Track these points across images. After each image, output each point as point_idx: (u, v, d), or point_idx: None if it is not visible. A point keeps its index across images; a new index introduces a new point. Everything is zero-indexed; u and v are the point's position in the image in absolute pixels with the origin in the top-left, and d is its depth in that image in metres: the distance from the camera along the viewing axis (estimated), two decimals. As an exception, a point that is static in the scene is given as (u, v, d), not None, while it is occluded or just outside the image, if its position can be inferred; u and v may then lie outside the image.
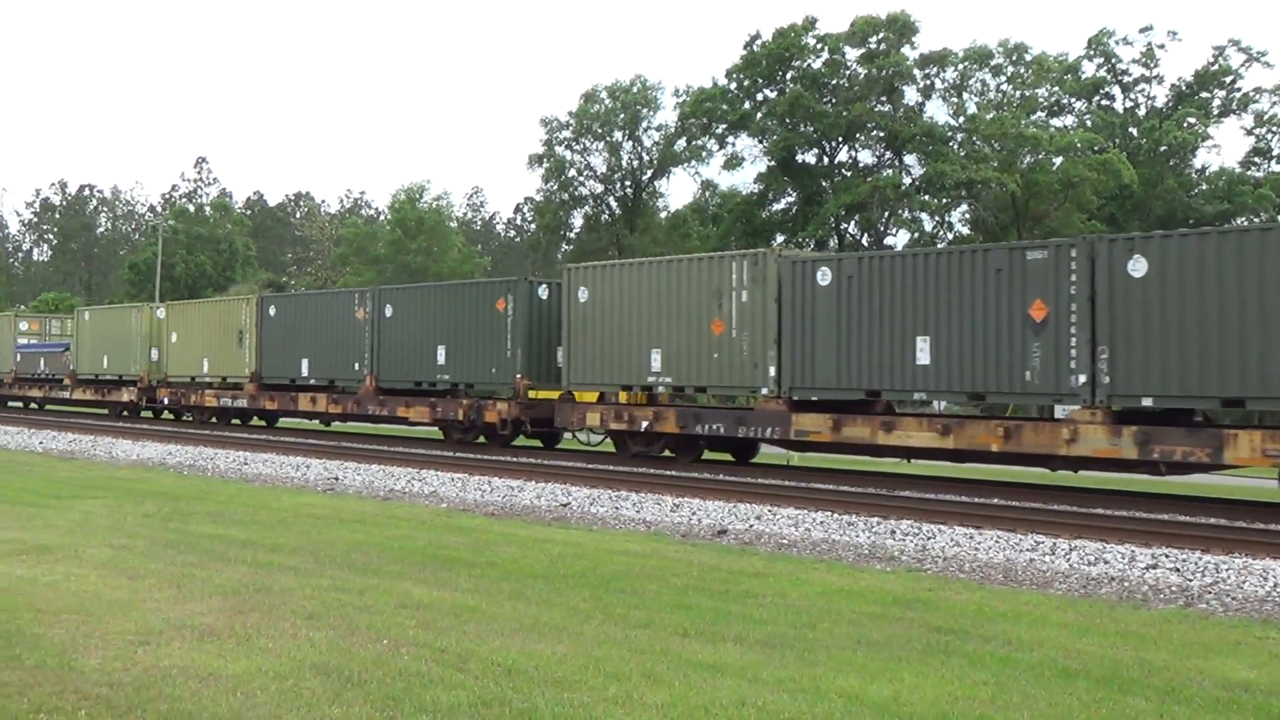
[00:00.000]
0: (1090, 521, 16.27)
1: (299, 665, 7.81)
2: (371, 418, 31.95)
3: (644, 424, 24.34)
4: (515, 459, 26.08)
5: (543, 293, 27.61)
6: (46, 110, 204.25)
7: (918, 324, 20.07)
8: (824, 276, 21.39)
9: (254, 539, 13.80)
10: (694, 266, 23.82)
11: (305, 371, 33.27)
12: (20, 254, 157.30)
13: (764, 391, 22.30)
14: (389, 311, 30.41)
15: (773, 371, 22.07)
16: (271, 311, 34.73)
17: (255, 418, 38.24)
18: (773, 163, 64.76)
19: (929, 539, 15.22)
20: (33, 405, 49.66)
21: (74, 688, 7.18)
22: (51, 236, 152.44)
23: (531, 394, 27.39)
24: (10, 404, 49.88)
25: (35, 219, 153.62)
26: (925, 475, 23.28)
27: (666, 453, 25.04)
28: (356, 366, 31.36)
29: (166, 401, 38.81)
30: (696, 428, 23.58)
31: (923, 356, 19.94)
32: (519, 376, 26.97)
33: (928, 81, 62.57)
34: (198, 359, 37.37)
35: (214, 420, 37.64)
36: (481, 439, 29.05)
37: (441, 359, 28.80)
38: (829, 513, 17.32)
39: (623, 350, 24.75)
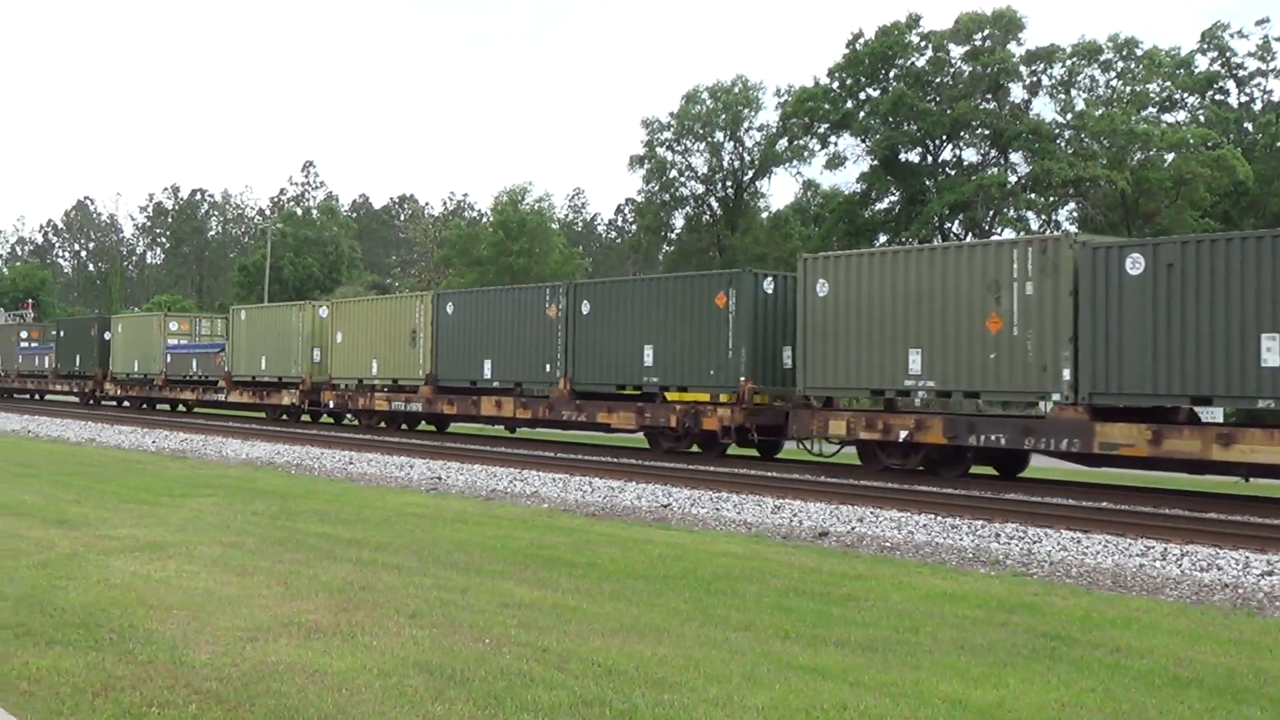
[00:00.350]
0: (1203, 526, 15.91)
1: (402, 663, 7.91)
2: (565, 423, 29.82)
3: (902, 434, 21.95)
4: (616, 460, 26.16)
5: (768, 286, 25.56)
6: (161, 117, 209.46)
7: (1263, 319, 17.44)
8: (1135, 265, 18.80)
9: (359, 537, 14.00)
10: (963, 255, 21.35)
11: (488, 373, 31.24)
12: (134, 257, 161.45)
13: (1055, 398, 19.68)
14: (585, 308, 28.36)
15: (1067, 375, 19.49)
16: (449, 309, 32.84)
17: (427, 422, 36.73)
18: (875, 162, 64.22)
19: (1034, 543, 14.99)
20: (181, 408, 48.90)
21: (185, 682, 7.33)
22: (164, 240, 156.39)
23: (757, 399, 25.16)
24: (158, 406, 49.17)
25: (149, 223, 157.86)
26: (1031, 478, 22.93)
27: (921, 467, 22.72)
28: (548, 368, 29.43)
29: (332, 405, 37.09)
30: (969, 438, 20.99)
31: (1271, 358, 17.42)
32: (743, 379, 24.79)
33: (1034, 78, 61.55)
34: (365, 360, 35.69)
35: (383, 425, 36.23)
36: (695, 448, 26.98)
37: (649, 360, 26.81)
38: (932, 515, 17.15)
39: (872, 350, 22.37)
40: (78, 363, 52.57)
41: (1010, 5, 60.00)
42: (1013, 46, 60.41)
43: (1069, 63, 60.93)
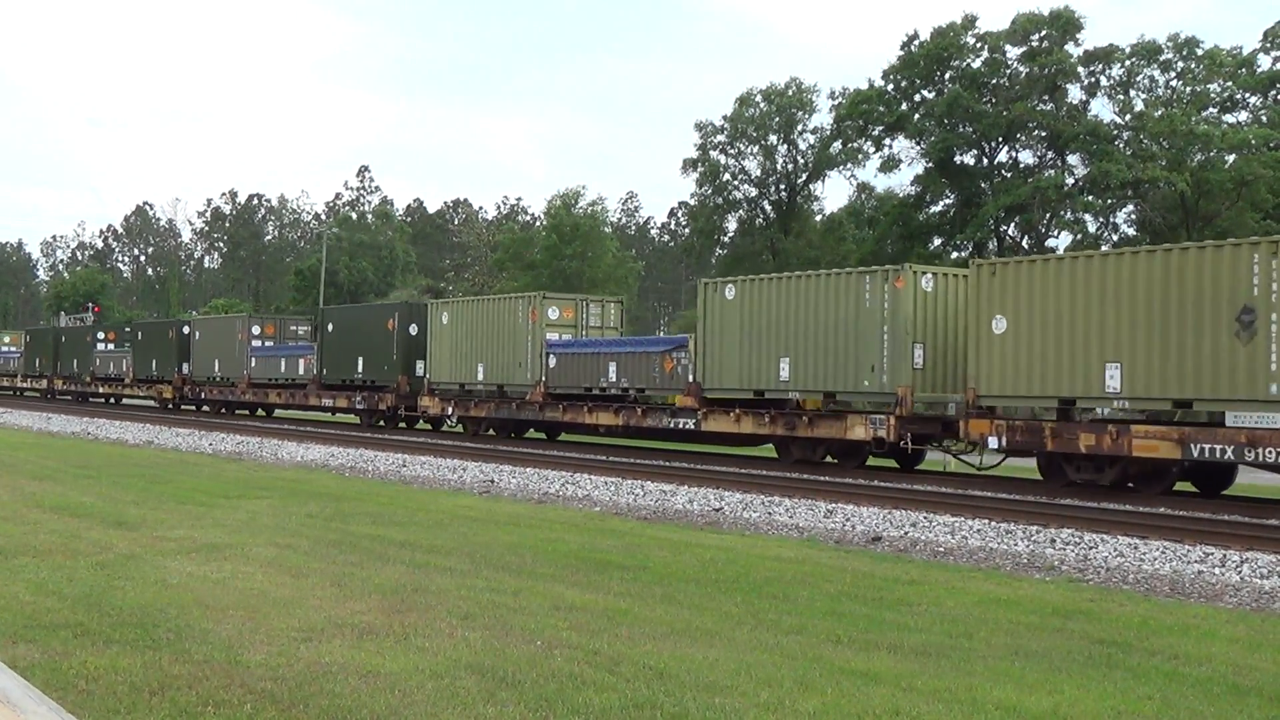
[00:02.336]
0: (1264, 533, 15.67)
1: (455, 664, 7.95)
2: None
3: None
4: (669, 463, 26.14)
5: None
6: (219, 123, 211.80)
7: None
8: None
9: (412, 540, 14.08)
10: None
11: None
12: (192, 261, 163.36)
13: None
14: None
15: None
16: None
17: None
18: (930, 164, 63.90)
19: (1091, 549, 14.84)
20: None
21: (240, 681, 7.40)
22: (222, 244, 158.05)
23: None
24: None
25: (206, 228, 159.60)
26: (1081, 485, 22.67)
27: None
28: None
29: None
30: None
31: None
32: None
33: (1092, 79, 60.97)
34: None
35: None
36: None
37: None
38: (986, 520, 17.03)
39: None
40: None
41: (1068, 5, 59.55)
42: (1070, 47, 59.90)
43: (1128, 63, 60.26)
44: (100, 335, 58.29)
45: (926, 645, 9.02)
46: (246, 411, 47.79)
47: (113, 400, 58.61)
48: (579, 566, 12.40)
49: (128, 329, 57.15)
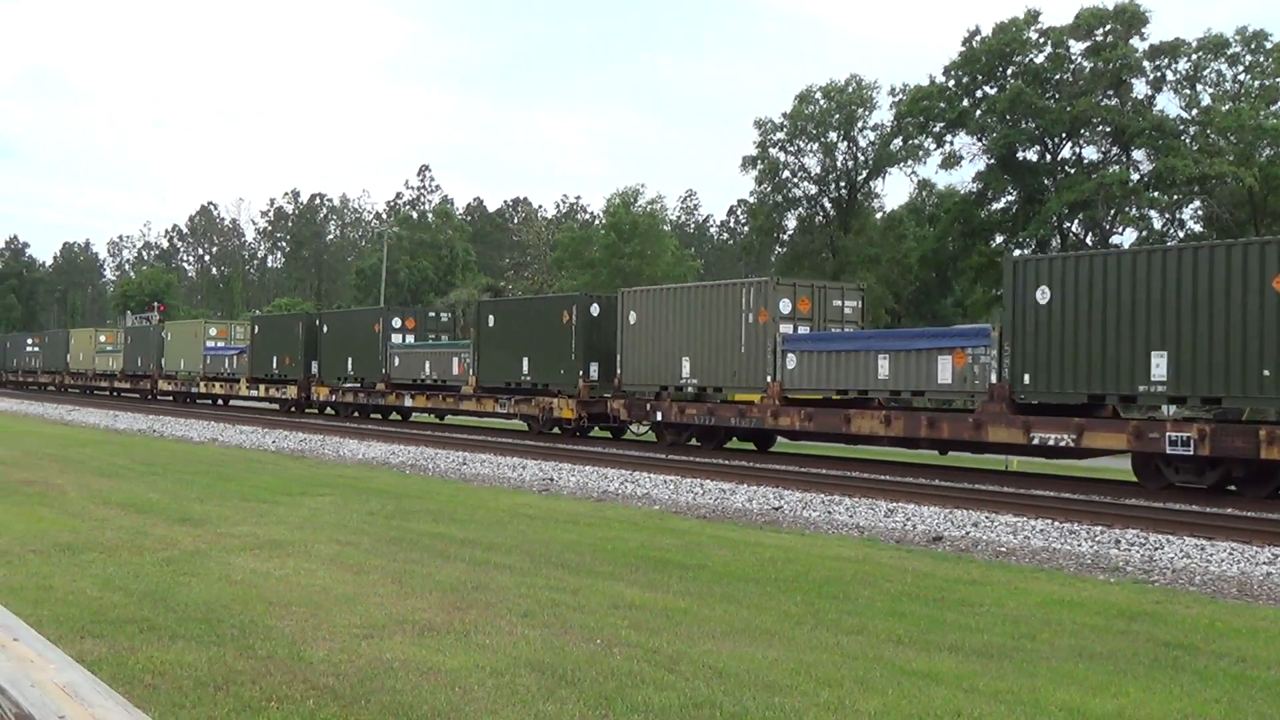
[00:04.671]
0: (1334, 534, 15.39)
1: (514, 662, 7.97)
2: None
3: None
4: (728, 462, 26.08)
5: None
6: (282, 123, 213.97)
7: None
8: None
9: (472, 537, 14.15)
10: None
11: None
12: (255, 261, 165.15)
13: None
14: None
15: None
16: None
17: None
18: (992, 161, 63.31)
19: (1156, 549, 14.66)
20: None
21: (303, 677, 7.46)
22: (284, 244, 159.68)
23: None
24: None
25: (270, 227, 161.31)
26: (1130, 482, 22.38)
27: None
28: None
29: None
30: None
31: None
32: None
33: (1158, 73, 60.06)
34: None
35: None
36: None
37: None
38: (1049, 520, 16.87)
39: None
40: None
41: (1133, -1, 58.75)
42: (1136, 41, 59.08)
43: (1194, 57, 59.32)
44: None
45: (988, 646, 8.95)
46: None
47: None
48: (638, 565, 12.41)
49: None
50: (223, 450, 29.65)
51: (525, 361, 34.57)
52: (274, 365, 47.76)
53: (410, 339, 41.34)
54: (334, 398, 44.19)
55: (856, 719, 6.91)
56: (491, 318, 36.79)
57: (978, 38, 63.03)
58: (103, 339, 66.06)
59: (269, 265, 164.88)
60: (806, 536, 15.72)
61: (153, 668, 7.59)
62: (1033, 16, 61.67)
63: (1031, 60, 61.77)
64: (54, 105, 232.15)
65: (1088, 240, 60.21)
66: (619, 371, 31.45)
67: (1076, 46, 60.63)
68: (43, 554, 11.90)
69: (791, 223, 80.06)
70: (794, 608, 10.26)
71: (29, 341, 77.97)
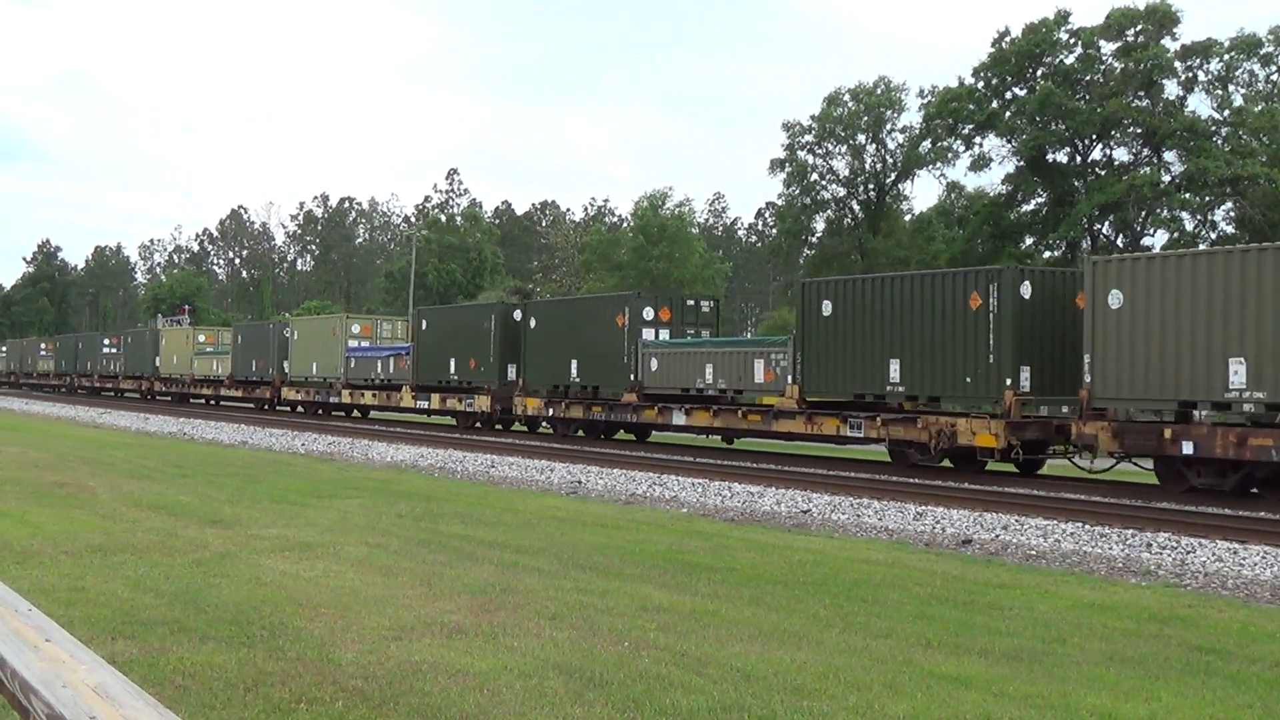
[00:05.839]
0: (1369, 538, 15.24)
1: (543, 664, 7.98)
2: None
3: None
4: (756, 465, 26.04)
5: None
6: (311, 128, 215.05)
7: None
8: None
9: (500, 540, 14.17)
10: None
11: (710, 375, 26.54)
12: (285, 264, 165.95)
13: None
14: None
15: None
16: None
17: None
18: (1022, 163, 63.05)
19: (1188, 553, 14.56)
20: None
21: (332, 679, 7.49)
22: (314, 247, 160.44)
23: None
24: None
25: (299, 231, 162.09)
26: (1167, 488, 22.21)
27: None
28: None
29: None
30: None
31: None
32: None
33: (1190, 74, 59.69)
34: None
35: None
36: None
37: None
38: (1080, 524, 16.78)
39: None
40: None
41: (1165, -1, 58.40)
42: (1167, 41, 58.75)
43: (1226, 57, 58.92)
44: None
45: (1018, 650, 8.91)
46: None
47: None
48: (666, 568, 12.40)
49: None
50: (252, 453, 29.79)
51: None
52: (451, 369, 38.56)
53: (665, 334, 32.01)
54: (550, 411, 34.56)
55: (885, 723, 6.89)
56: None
57: (1007, 39, 62.80)
58: (202, 338, 59.28)
59: (298, 268, 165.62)
60: (835, 539, 15.69)
61: (183, 669, 7.63)
62: (1063, 17, 61.40)
63: (1062, 61, 61.50)
64: (86, 110, 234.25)
65: (1118, 242, 59.88)
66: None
67: (1107, 47, 60.36)
68: (75, 555, 11.98)
69: (820, 225, 79.99)
70: (822, 611, 10.23)
71: (105, 342, 70.00)
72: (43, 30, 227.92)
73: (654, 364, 30.80)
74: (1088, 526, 16.53)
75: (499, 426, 38.42)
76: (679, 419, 29.83)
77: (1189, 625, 10.18)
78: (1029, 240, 64.00)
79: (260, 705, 6.89)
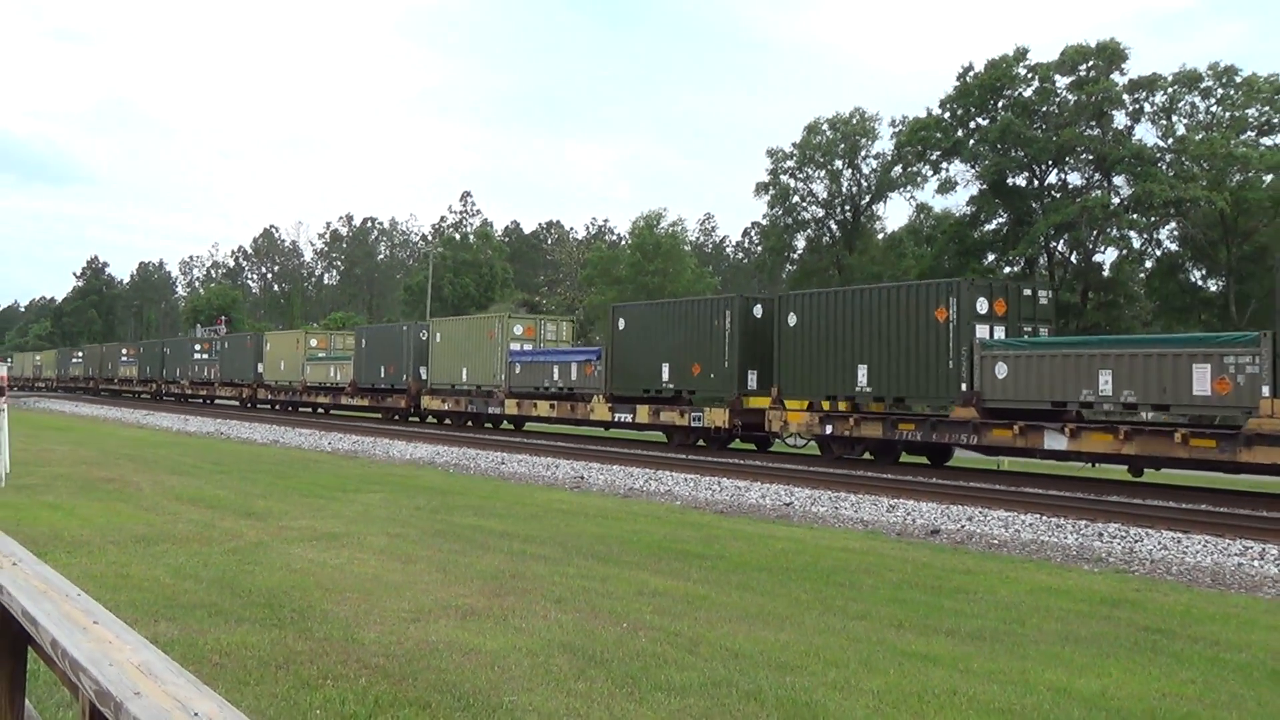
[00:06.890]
0: (1301, 528, 15.23)
1: (549, 644, 7.97)
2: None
3: None
4: (741, 461, 26.02)
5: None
6: (337, 153, 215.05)
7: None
8: None
9: (510, 530, 14.15)
10: None
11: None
12: (313, 279, 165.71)
13: None
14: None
15: None
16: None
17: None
18: (984, 186, 63.05)
19: (1136, 542, 14.56)
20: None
21: (356, 657, 7.48)
22: (339, 263, 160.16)
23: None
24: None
25: (325, 248, 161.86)
26: (1131, 482, 22.23)
27: None
28: None
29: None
30: None
31: None
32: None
33: (1137, 105, 59.68)
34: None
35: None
36: None
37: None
38: (1038, 515, 16.77)
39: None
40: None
41: (1114, 37, 58.50)
42: (1116, 76, 58.76)
43: (1170, 90, 58.92)
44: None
45: (982, 630, 8.90)
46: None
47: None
48: (661, 555, 12.39)
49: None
50: (283, 451, 29.74)
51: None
52: (663, 376, 31.16)
53: (1000, 332, 24.14)
54: (827, 429, 26.53)
55: (861, 697, 6.88)
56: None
57: (971, 73, 62.85)
58: (314, 343, 52.13)
59: (325, 282, 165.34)
60: (815, 530, 15.67)
61: (220, 648, 7.61)
62: (1021, 53, 61.46)
63: (1020, 94, 61.54)
64: (132, 139, 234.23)
65: (1072, 259, 59.88)
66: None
67: (1061, 81, 60.35)
68: (120, 545, 11.96)
69: (801, 243, 79.95)
70: (804, 595, 10.22)
71: (197, 347, 62.03)
72: (89, 62, 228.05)
73: (1001, 370, 22.56)
74: (1045, 518, 16.52)
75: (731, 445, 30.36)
76: (1056, 443, 21.33)
77: (1137, 608, 10.18)
78: (991, 257, 63.93)
79: (290, 681, 6.88)
